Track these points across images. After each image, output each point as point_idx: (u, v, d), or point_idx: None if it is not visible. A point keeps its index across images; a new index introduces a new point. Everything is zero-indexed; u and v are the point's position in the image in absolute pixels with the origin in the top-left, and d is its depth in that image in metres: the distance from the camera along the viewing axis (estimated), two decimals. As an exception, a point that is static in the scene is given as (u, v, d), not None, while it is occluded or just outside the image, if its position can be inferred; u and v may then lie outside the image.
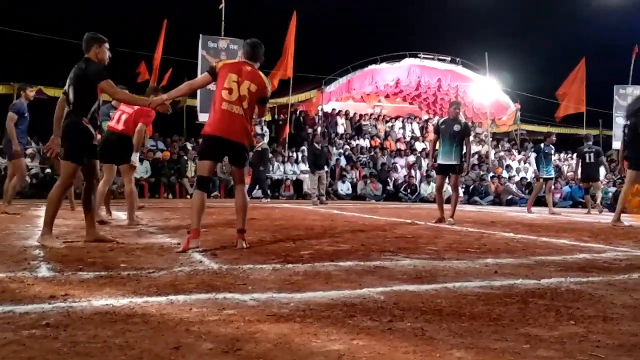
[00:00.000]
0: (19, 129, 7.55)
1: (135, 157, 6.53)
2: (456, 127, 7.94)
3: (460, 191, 17.82)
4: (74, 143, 4.56)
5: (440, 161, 8.08)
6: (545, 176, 11.77)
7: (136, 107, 6.27)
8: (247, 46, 4.78)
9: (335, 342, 2.10)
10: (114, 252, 4.18)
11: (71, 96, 4.55)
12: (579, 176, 12.92)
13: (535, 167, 11.90)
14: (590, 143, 12.72)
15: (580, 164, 12.56)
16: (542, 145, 11.95)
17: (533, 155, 12.01)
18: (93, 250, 4.26)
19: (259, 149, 14.05)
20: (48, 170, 13.65)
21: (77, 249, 4.29)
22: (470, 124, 23.75)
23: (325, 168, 14.04)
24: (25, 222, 6.39)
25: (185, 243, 4.31)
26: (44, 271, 3.35)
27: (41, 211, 8.17)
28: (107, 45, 4.76)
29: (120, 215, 7.47)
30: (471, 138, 21.23)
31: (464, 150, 7.99)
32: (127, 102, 4.74)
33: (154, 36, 17.28)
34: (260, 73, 4.69)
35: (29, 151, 13.51)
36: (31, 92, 7.74)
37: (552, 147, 12.00)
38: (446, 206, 8.25)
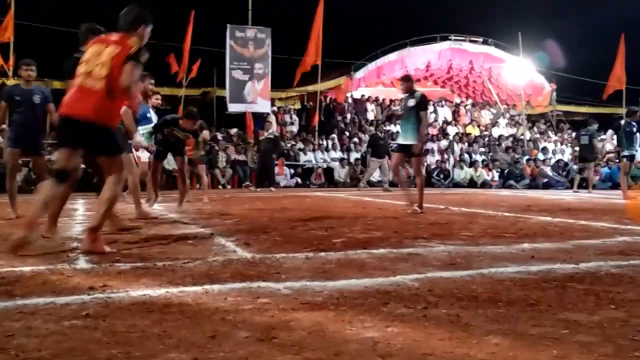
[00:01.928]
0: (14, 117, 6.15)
1: (139, 138, 6.29)
2: (411, 102, 7.06)
3: (496, 175, 17.60)
4: None
5: (398, 140, 7.38)
6: (626, 153, 10.91)
7: None
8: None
9: (369, 330, 2.09)
10: (149, 243, 4.25)
11: None
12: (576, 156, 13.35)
13: (616, 144, 11.17)
14: (591, 127, 13.54)
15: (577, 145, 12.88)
16: (621, 122, 11.25)
17: (610, 133, 11.33)
18: (129, 241, 4.34)
19: (271, 136, 13.99)
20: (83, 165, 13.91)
21: (113, 242, 4.37)
22: (504, 106, 23.37)
23: (387, 157, 14.15)
24: (63, 215, 6.53)
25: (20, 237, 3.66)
26: (82, 263, 3.43)
27: (77, 204, 8.37)
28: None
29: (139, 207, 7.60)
30: (430, 110, 20.95)
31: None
32: None
33: (182, 27, 17.40)
34: (129, 38, 3.83)
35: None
36: (25, 72, 6.17)
37: (635, 124, 11.15)
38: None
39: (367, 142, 18.33)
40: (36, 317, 2.25)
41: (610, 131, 11.42)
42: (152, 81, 6.93)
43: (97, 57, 3.75)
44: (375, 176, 15.69)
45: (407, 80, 7.39)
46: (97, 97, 3.69)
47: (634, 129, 11.12)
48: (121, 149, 4.03)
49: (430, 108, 22.42)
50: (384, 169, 14.00)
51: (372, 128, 19.74)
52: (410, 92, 7.20)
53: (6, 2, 14.73)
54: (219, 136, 16.95)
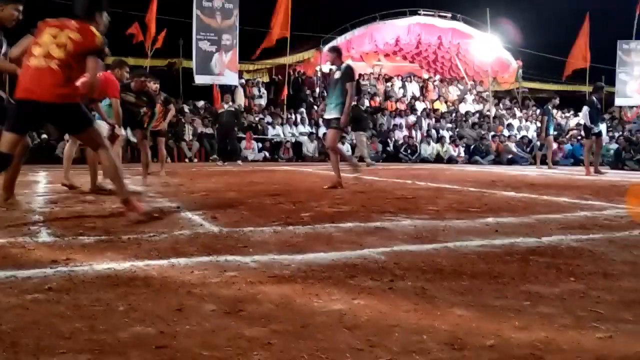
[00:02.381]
0: None
1: (118, 130, 6.36)
2: (336, 74, 6.74)
3: (462, 150, 17.80)
4: None
5: (325, 115, 6.97)
6: (596, 130, 11.07)
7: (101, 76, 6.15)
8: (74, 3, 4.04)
9: (336, 302, 2.11)
10: (114, 217, 4.18)
11: None
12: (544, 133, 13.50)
13: (589, 122, 11.07)
14: (548, 104, 13.55)
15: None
16: (594, 98, 11.29)
17: (586, 109, 11.16)
18: (93, 214, 4.26)
19: (232, 109, 13.79)
20: (44, 135, 13.56)
21: (77, 214, 4.29)
22: (471, 83, 23.56)
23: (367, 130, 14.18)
24: (24, 188, 6.37)
25: None
26: (44, 236, 3.35)
27: (39, 176, 8.16)
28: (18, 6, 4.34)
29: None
30: (399, 85, 21.27)
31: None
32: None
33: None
34: (91, 27, 3.82)
35: None
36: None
37: (599, 100, 11.42)
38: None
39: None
40: (-4, 291, 2.20)
41: (585, 108, 11.32)
42: (128, 69, 6.93)
43: (52, 38, 3.71)
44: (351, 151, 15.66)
45: (334, 51, 7.05)
46: (55, 77, 3.66)
47: (599, 105, 11.30)
48: (91, 119, 3.98)
49: (399, 83, 22.52)
50: (363, 143, 13.94)
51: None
52: (337, 64, 6.85)
53: None
54: (186, 109, 16.69)
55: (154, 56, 17.29)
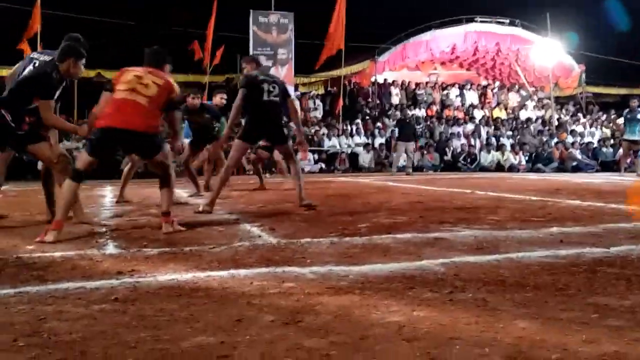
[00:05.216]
0: None
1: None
2: None
3: (523, 158, 17.26)
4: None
5: None
6: None
7: None
8: (146, 55, 4.40)
9: (395, 314, 2.09)
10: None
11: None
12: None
13: None
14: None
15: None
16: None
17: None
18: (155, 227, 4.39)
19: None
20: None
21: (140, 227, 4.44)
22: (532, 89, 22.91)
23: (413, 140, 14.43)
24: (91, 203, 6.65)
25: (42, 235, 3.75)
26: (111, 249, 3.49)
27: (106, 191, 8.49)
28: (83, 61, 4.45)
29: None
30: (456, 93, 21.04)
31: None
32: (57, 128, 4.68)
33: (205, 14, 17.44)
34: (168, 77, 4.26)
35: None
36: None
37: None
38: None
39: (392, 127, 18.26)
40: (67, 301, 2.30)
41: None
42: (199, 95, 7.35)
43: (137, 79, 4.08)
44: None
45: (249, 61, 6.09)
46: (142, 109, 4.05)
47: None
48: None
49: (456, 91, 22.16)
50: (408, 152, 14.04)
51: (398, 113, 19.59)
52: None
53: None
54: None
55: (213, 72, 17.75)
